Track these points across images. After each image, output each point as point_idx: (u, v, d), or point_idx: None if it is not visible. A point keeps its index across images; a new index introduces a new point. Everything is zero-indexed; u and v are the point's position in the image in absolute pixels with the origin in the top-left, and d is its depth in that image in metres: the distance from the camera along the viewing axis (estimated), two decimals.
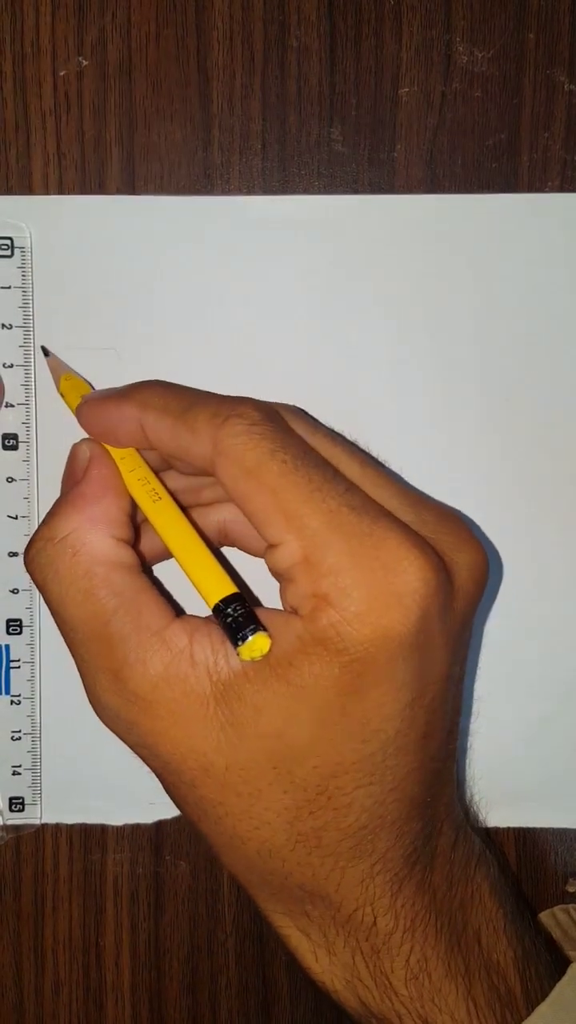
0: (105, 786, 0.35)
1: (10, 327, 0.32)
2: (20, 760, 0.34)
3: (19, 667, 0.34)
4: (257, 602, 0.33)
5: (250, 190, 0.33)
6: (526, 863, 0.36)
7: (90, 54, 0.32)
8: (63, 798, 0.35)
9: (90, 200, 0.33)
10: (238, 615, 0.25)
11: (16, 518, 0.33)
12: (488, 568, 0.27)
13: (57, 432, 0.32)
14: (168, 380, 0.28)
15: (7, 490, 0.33)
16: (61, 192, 0.33)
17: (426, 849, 0.27)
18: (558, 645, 0.34)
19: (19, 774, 0.34)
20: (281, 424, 0.26)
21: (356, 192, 0.33)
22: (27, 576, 0.32)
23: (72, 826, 0.35)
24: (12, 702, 0.34)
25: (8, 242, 0.32)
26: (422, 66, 0.33)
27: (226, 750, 0.25)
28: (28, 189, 0.33)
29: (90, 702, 0.27)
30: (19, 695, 0.34)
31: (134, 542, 0.28)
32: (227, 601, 0.25)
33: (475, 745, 0.35)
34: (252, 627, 0.24)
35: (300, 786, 0.25)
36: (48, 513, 0.27)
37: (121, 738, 0.26)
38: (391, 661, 0.24)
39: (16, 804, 0.35)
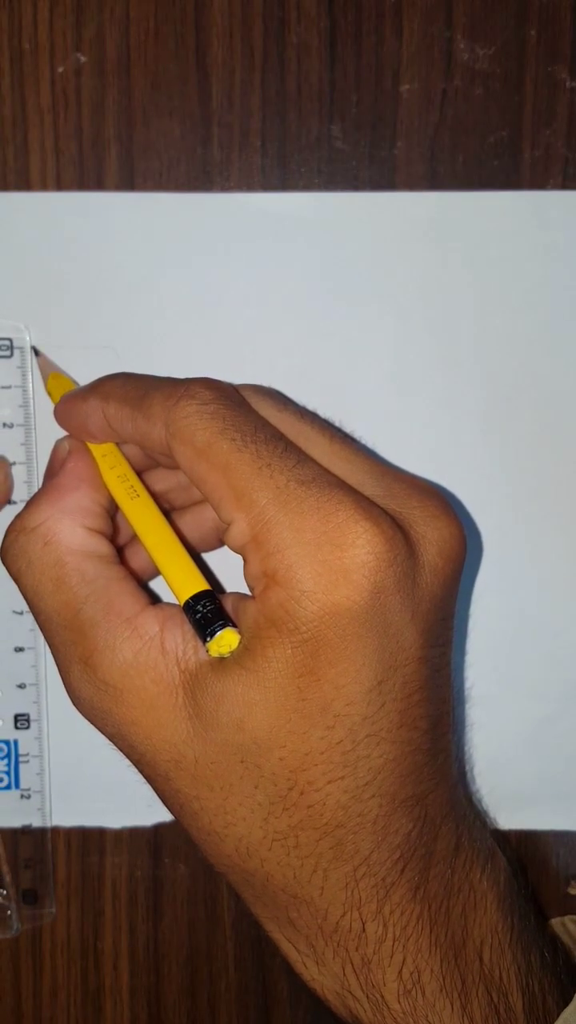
0: (103, 789, 0.34)
1: (12, 426, 0.33)
2: (31, 853, 0.35)
3: (28, 762, 0.34)
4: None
5: (250, 187, 0.33)
6: (528, 865, 0.35)
7: (88, 50, 0.32)
8: (61, 801, 0.35)
9: (88, 197, 0.32)
10: (207, 611, 0.25)
11: (21, 613, 0.33)
12: (463, 543, 0.26)
13: None
14: (162, 375, 0.28)
15: (11, 587, 0.33)
16: (59, 189, 0.32)
17: (419, 852, 0.25)
18: (558, 645, 0.34)
19: (30, 867, 0.35)
20: (234, 401, 0.26)
21: (356, 189, 0.33)
22: (34, 671, 0.33)
23: (71, 829, 0.35)
24: (22, 796, 0.34)
25: (8, 343, 0.32)
26: (423, 63, 0.32)
27: (195, 742, 0.24)
28: (26, 186, 0.32)
29: (67, 694, 0.26)
30: (28, 789, 0.34)
31: (112, 534, 0.28)
32: (197, 597, 0.25)
33: (476, 745, 0.34)
34: (220, 623, 0.24)
35: (270, 780, 0.24)
36: (24, 505, 0.27)
37: (99, 730, 0.26)
38: (344, 639, 0.23)
39: (29, 896, 0.35)
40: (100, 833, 0.35)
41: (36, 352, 0.32)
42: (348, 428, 0.33)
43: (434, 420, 0.33)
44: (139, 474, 0.28)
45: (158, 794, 0.26)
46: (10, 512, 0.33)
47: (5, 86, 0.32)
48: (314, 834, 0.24)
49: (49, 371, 0.32)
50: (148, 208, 0.32)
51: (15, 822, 0.34)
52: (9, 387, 0.32)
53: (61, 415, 0.28)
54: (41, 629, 0.27)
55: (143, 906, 0.36)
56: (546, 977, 0.26)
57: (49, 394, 0.31)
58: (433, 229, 0.33)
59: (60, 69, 0.32)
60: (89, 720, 0.26)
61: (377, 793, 0.24)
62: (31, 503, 0.27)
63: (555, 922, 0.33)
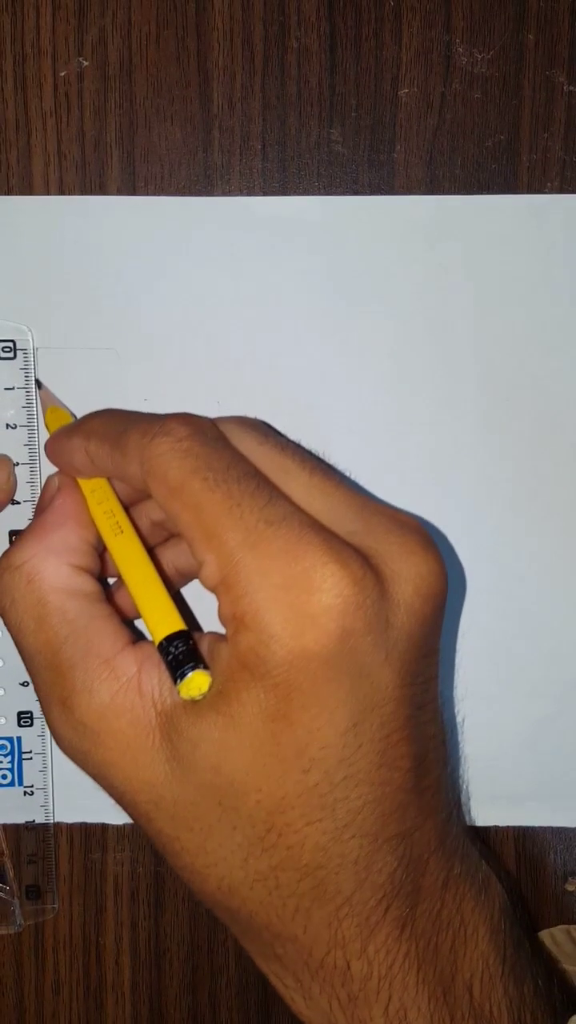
0: None
1: (15, 427, 0.33)
2: (34, 849, 0.35)
3: (31, 759, 0.34)
4: None
5: (250, 191, 0.33)
6: (525, 862, 0.36)
7: (90, 55, 0.32)
8: (64, 797, 0.35)
9: (90, 200, 0.33)
10: (179, 652, 0.24)
11: None
12: (441, 578, 0.25)
13: None
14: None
15: None
16: (61, 192, 0.33)
17: (405, 889, 0.25)
18: (558, 645, 0.34)
19: (33, 863, 0.35)
20: (210, 438, 0.25)
21: (356, 193, 0.33)
22: None
23: (72, 825, 0.35)
24: (25, 793, 0.34)
25: (11, 344, 0.33)
26: (422, 67, 0.33)
27: (173, 784, 0.24)
28: (28, 189, 0.33)
29: (50, 732, 0.26)
30: (31, 786, 0.34)
31: (98, 570, 0.28)
32: (171, 638, 0.25)
33: (475, 745, 0.35)
34: (192, 664, 0.24)
35: (248, 822, 0.24)
36: (13, 541, 0.27)
37: (81, 769, 0.26)
38: (316, 683, 0.23)
39: (31, 891, 0.35)
40: (102, 829, 0.35)
41: (39, 385, 0.33)
42: (347, 430, 0.33)
43: (433, 421, 0.34)
44: (132, 506, 0.28)
45: (142, 831, 0.26)
46: (11, 512, 0.33)
47: (8, 90, 0.32)
48: (295, 875, 0.24)
49: (49, 405, 0.32)
50: (149, 211, 0.33)
51: (18, 818, 0.35)
52: (12, 388, 0.33)
53: (50, 452, 0.29)
54: (25, 666, 0.27)
55: (145, 902, 0.36)
56: (539, 1007, 0.26)
57: (47, 427, 0.31)
58: (432, 232, 0.33)
59: (62, 73, 0.32)
60: (71, 759, 0.26)
61: (358, 834, 0.24)
62: (18, 540, 0.27)
63: (543, 934, 0.33)
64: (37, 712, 0.34)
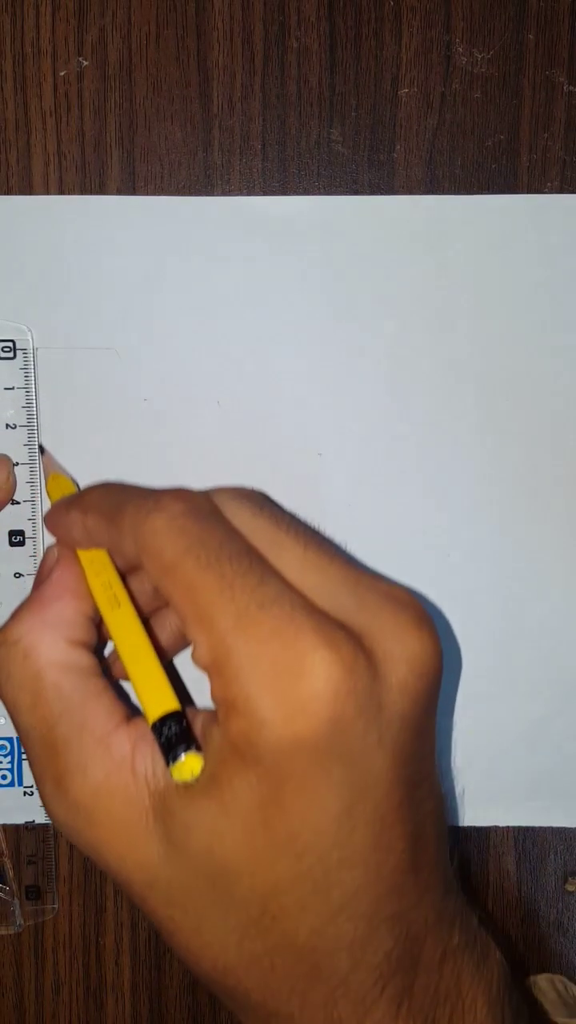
0: None
1: (15, 427, 0.33)
2: (34, 850, 0.35)
3: None
4: None
5: (250, 191, 0.33)
6: (525, 862, 0.36)
7: (90, 54, 0.32)
8: None
9: (90, 200, 0.33)
10: (172, 733, 0.24)
11: None
12: (436, 656, 0.25)
13: None
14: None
15: (15, 585, 0.33)
16: (61, 192, 0.33)
17: (402, 967, 0.24)
18: (558, 645, 0.34)
19: (33, 863, 0.35)
20: (204, 514, 0.25)
21: (356, 193, 0.33)
22: None
23: None
24: (24, 793, 0.34)
25: (11, 344, 0.33)
26: (422, 67, 0.33)
27: (166, 866, 0.24)
28: (28, 189, 0.33)
29: (45, 809, 0.26)
30: (31, 786, 0.34)
31: (95, 643, 0.28)
32: (165, 719, 0.24)
33: (475, 745, 0.35)
34: (184, 746, 0.24)
35: (242, 906, 0.24)
36: (10, 615, 0.27)
37: (76, 846, 0.26)
38: (307, 769, 0.23)
39: (31, 892, 0.35)
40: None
41: (42, 450, 0.33)
42: (347, 431, 0.33)
43: (433, 421, 0.34)
44: (130, 572, 0.28)
45: (139, 908, 0.26)
46: (11, 512, 0.33)
47: (8, 89, 0.32)
48: (289, 957, 0.24)
49: (51, 471, 0.32)
50: (149, 211, 0.33)
51: (18, 818, 0.35)
52: (12, 388, 0.33)
53: (49, 524, 0.29)
54: (20, 741, 0.27)
55: None
56: None
57: (48, 495, 0.32)
58: (432, 232, 0.33)
59: (62, 73, 0.32)
60: (65, 836, 0.26)
61: (353, 916, 0.24)
62: (15, 614, 0.27)
63: (530, 982, 0.33)
64: None
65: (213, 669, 0.23)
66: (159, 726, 0.24)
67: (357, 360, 0.33)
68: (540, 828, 0.36)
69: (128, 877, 0.25)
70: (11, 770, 0.34)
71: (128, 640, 0.26)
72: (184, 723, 0.24)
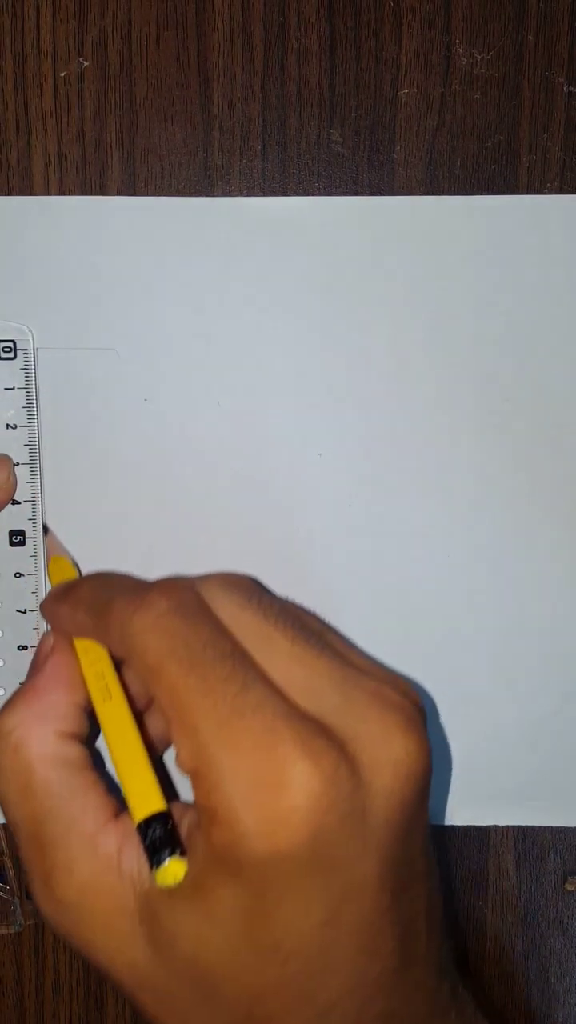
0: None
1: (15, 427, 0.33)
2: None
3: None
4: None
5: (250, 191, 0.33)
6: (525, 861, 0.36)
7: (91, 55, 0.32)
8: None
9: (91, 201, 0.33)
10: (156, 837, 0.24)
11: (25, 612, 0.34)
12: (424, 759, 0.24)
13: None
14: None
15: (15, 585, 0.33)
16: (61, 193, 0.33)
17: None
18: (558, 645, 0.35)
19: None
20: (190, 612, 0.25)
21: (356, 193, 0.33)
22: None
23: None
24: None
25: (11, 344, 0.33)
26: (422, 68, 0.33)
27: (153, 968, 0.24)
28: (29, 190, 0.33)
29: (35, 904, 0.26)
30: None
31: (87, 732, 0.28)
32: (151, 820, 0.24)
33: (476, 745, 0.35)
34: (168, 851, 0.24)
35: (227, 1011, 0.24)
36: (2, 705, 0.28)
37: (66, 942, 0.26)
38: (289, 880, 0.23)
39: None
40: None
41: (46, 530, 0.33)
42: (347, 431, 0.33)
43: (433, 421, 0.34)
44: (125, 663, 0.28)
45: (130, 1003, 0.26)
46: (11, 512, 0.33)
47: (8, 90, 0.32)
48: None
49: (53, 553, 0.33)
50: (150, 212, 0.33)
51: None
52: (12, 388, 0.33)
53: (44, 613, 0.29)
54: (12, 834, 0.27)
55: None
56: None
57: (48, 577, 0.32)
58: (431, 233, 0.33)
59: (63, 73, 0.32)
60: (54, 932, 0.26)
61: (340, 1019, 0.24)
62: (8, 704, 0.27)
63: None
64: None
65: (195, 776, 0.24)
66: (144, 827, 0.24)
67: (357, 360, 0.33)
68: (539, 828, 0.36)
69: (118, 977, 0.25)
70: None
71: (117, 734, 0.26)
72: (170, 824, 0.24)
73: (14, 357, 0.33)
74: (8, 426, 0.33)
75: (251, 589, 0.27)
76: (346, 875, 0.23)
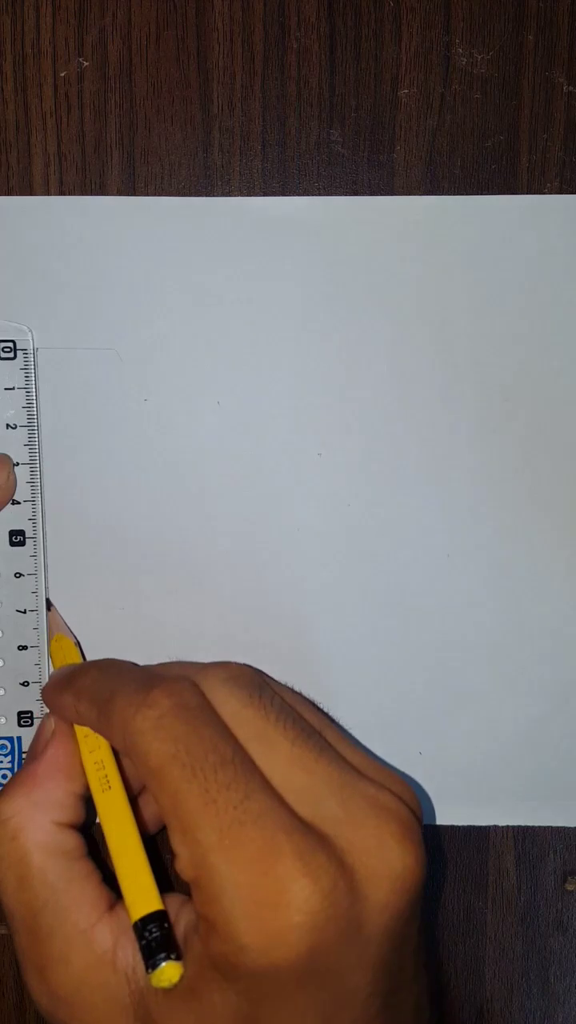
0: None
1: (15, 427, 0.33)
2: None
3: None
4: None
5: (250, 191, 0.33)
6: (525, 862, 0.36)
7: (91, 55, 0.32)
8: None
9: (90, 201, 0.33)
10: (153, 938, 0.24)
11: (24, 612, 0.34)
12: (419, 871, 0.25)
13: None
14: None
15: (15, 585, 0.33)
16: (61, 193, 0.33)
17: None
18: (558, 645, 0.35)
19: None
20: (192, 713, 0.25)
21: (356, 194, 0.33)
22: (37, 669, 0.33)
23: None
24: None
25: (11, 344, 0.33)
26: (421, 68, 0.33)
27: None
28: (29, 190, 0.33)
29: (29, 994, 0.27)
30: None
31: (84, 819, 0.28)
32: (147, 920, 0.25)
33: (476, 745, 0.35)
34: (164, 955, 0.24)
35: None
36: (0, 791, 0.28)
37: None
38: (284, 991, 0.23)
39: None
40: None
41: (49, 606, 0.33)
42: (347, 431, 0.33)
43: (432, 421, 0.34)
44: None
45: None
46: (11, 512, 0.33)
47: (8, 90, 0.32)
48: None
49: (55, 632, 0.33)
50: (150, 212, 0.33)
51: None
52: (12, 388, 0.33)
53: (45, 700, 0.29)
54: (8, 922, 0.27)
55: None
56: None
57: (50, 656, 0.32)
58: (431, 233, 0.33)
59: (63, 73, 0.32)
60: (48, 1023, 0.27)
61: None
62: (6, 791, 0.27)
63: None
64: (38, 712, 0.34)
65: (195, 885, 0.24)
66: (140, 927, 0.25)
67: (357, 360, 0.33)
68: (539, 828, 0.36)
69: None
70: (11, 770, 0.34)
71: (115, 828, 0.26)
72: (166, 926, 0.25)
73: (14, 357, 0.33)
74: (8, 426, 0.33)
75: (253, 683, 0.27)
76: (340, 985, 0.24)
